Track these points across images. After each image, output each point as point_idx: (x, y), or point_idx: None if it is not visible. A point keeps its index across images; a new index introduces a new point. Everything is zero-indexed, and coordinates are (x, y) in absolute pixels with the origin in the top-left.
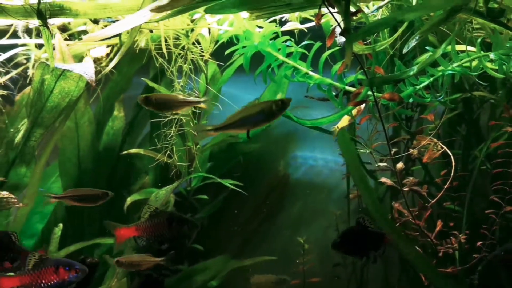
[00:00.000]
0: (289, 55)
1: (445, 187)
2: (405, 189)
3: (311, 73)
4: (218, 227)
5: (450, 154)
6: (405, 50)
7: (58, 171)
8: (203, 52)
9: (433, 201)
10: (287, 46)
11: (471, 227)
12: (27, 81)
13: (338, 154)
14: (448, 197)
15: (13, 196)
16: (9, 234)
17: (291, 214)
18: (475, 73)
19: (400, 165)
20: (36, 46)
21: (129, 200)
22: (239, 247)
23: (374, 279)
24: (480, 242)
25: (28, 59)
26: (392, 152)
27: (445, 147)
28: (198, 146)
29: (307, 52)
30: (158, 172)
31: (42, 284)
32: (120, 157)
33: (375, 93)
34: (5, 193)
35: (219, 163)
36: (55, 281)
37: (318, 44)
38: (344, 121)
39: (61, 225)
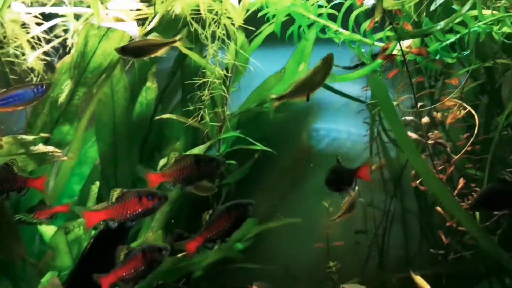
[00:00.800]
0: (319, 16)
1: (468, 144)
2: (429, 141)
3: (341, 30)
4: (245, 194)
5: (474, 113)
6: (433, 7)
7: (95, 137)
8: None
9: (456, 156)
10: (319, 6)
11: None
12: (66, 50)
13: (361, 124)
14: (469, 161)
15: (59, 150)
16: (7, 165)
17: (314, 184)
18: (499, 31)
19: (425, 119)
20: (74, 17)
21: (161, 162)
22: (265, 213)
23: (394, 246)
24: None
25: (66, 30)
26: (418, 105)
27: (469, 107)
28: (227, 112)
29: (336, 13)
30: (188, 137)
31: (127, 215)
32: (152, 126)
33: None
34: (51, 148)
35: (246, 132)
36: (139, 210)
37: (349, 2)
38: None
39: (98, 182)
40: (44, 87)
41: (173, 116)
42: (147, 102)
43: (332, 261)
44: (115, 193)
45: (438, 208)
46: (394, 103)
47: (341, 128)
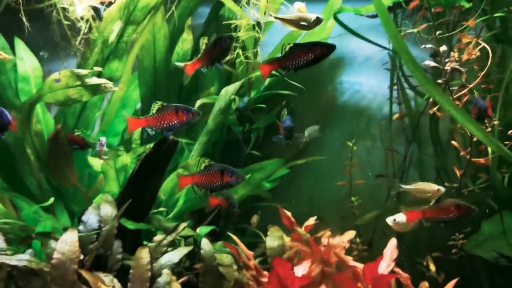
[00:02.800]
0: None
1: (482, 75)
2: (446, 68)
3: None
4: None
5: (489, 48)
6: None
7: (137, 81)
8: None
9: (471, 85)
10: None
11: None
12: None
13: (382, 78)
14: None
15: (110, 82)
16: None
17: (337, 132)
18: None
19: (443, 48)
20: None
21: (198, 102)
22: (292, 155)
23: None
24: None
25: None
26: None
27: (483, 43)
28: (259, 57)
29: None
30: (222, 83)
31: (164, 125)
32: None
33: None
34: (103, 80)
35: (275, 80)
36: (175, 122)
37: None
38: None
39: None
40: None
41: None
42: (183, 52)
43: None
44: (156, 105)
45: (454, 142)
46: (414, 30)
47: (363, 81)
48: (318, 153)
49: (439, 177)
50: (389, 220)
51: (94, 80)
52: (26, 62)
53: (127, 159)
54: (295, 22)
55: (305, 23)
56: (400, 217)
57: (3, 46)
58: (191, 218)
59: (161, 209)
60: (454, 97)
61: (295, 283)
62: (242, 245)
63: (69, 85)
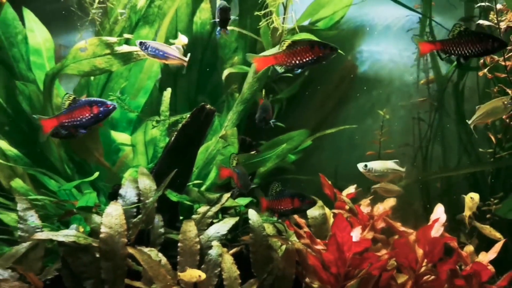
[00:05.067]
0: None
1: None
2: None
3: None
4: (296, 109)
5: None
6: None
7: None
8: None
9: None
10: None
11: None
12: None
13: (402, 46)
14: None
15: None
16: None
17: (359, 102)
18: None
19: (500, 5)
20: None
21: (225, 72)
22: (315, 126)
23: (436, 158)
24: None
25: None
26: None
27: None
28: (284, 26)
29: None
30: (246, 51)
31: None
32: (209, 44)
33: None
34: (135, 48)
35: None
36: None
37: None
38: None
39: (169, 89)
40: None
41: (235, 29)
42: (201, 21)
43: None
44: (286, 43)
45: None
46: None
47: (382, 50)
48: (339, 124)
49: (462, 145)
50: (360, 166)
51: (125, 48)
52: (37, 33)
53: (156, 132)
54: None
55: None
56: (374, 165)
57: (13, 17)
58: (220, 191)
59: (196, 181)
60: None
61: (352, 249)
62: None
63: (96, 54)
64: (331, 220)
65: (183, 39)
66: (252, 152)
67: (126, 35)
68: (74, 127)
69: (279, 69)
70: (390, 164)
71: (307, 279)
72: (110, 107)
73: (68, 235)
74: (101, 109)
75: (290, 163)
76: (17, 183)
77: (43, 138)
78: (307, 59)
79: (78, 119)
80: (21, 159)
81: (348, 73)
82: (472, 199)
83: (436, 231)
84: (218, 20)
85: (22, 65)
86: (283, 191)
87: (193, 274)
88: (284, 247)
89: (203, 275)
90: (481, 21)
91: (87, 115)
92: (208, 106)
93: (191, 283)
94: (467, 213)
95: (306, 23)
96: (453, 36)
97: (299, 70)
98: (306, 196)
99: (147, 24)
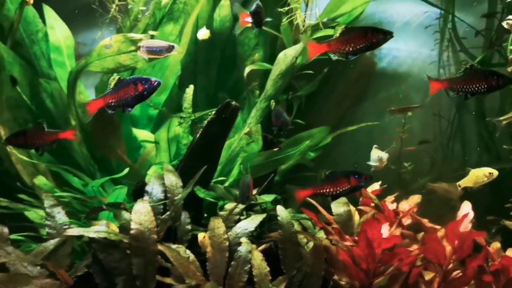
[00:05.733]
0: None
1: None
2: None
3: None
4: (315, 106)
5: None
6: None
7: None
8: None
9: None
10: None
11: None
12: None
13: (420, 43)
14: None
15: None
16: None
17: (378, 98)
18: None
19: None
20: None
21: (247, 69)
22: (334, 122)
23: (456, 156)
24: None
25: None
26: None
27: None
28: (307, 22)
29: None
30: (267, 48)
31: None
32: (228, 41)
33: None
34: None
35: None
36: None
37: None
38: None
39: (192, 86)
40: None
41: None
42: (220, 18)
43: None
44: (340, 30)
45: None
46: None
47: (401, 47)
48: (357, 121)
49: (482, 141)
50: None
51: None
52: (57, 31)
53: (179, 129)
54: None
55: None
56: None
57: (33, 14)
58: None
59: (220, 178)
60: None
61: (382, 245)
62: (322, 210)
63: (121, 51)
64: (356, 217)
65: (204, 33)
66: (275, 149)
67: (151, 32)
68: (120, 106)
69: (333, 57)
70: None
71: (335, 276)
72: (155, 84)
73: (99, 231)
74: (146, 86)
75: (310, 160)
76: (40, 180)
77: (87, 119)
78: (361, 45)
79: (124, 98)
80: (45, 157)
81: (367, 70)
82: (491, 174)
83: (464, 227)
84: (252, 21)
85: (43, 62)
86: (335, 173)
87: None
88: (311, 244)
89: None
90: (507, 21)
91: (132, 93)
92: (234, 102)
93: (221, 279)
94: (466, 183)
95: (325, 19)
96: (460, 74)
97: (353, 57)
98: (361, 173)
99: (172, 20)
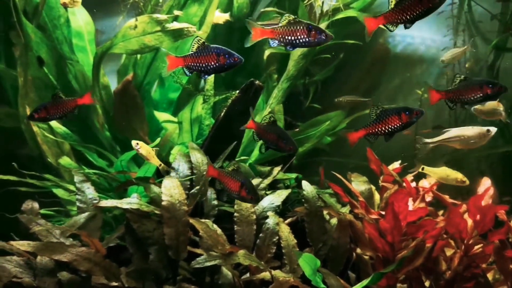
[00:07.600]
0: None
1: None
2: None
3: None
4: (330, 91)
5: None
6: None
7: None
8: None
9: None
10: None
11: None
12: None
13: (434, 30)
14: None
15: (192, 26)
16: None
17: (391, 85)
18: None
19: None
20: None
21: (267, 52)
22: (349, 108)
23: None
24: None
25: None
26: None
27: None
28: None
29: None
30: None
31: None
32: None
33: None
34: (185, 24)
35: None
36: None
37: None
38: None
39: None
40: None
41: (274, 9)
42: (238, 4)
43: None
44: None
45: None
46: None
47: (415, 33)
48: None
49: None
50: None
51: (175, 25)
52: (79, 16)
53: (201, 110)
54: None
55: None
56: None
57: (55, 0)
58: None
59: (242, 157)
60: None
61: (408, 218)
62: (348, 184)
63: (146, 31)
64: (376, 195)
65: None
66: (296, 130)
67: (176, 12)
68: (198, 71)
69: (391, 28)
70: None
71: (358, 250)
72: (237, 61)
73: (131, 202)
74: (228, 60)
75: (326, 144)
76: (65, 160)
77: (167, 74)
78: (417, 12)
79: (203, 65)
80: (70, 137)
81: (381, 56)
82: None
83: (486, 201)
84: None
85: (65, 47)
86: (386, 111)
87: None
88: (333, 220)
89: None
90: None
91: (212, 63)
92: (257, 81)
93: (249, 251)
94: (431, 173)
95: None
96: (455, 86)
97: (410, 26)
98: (412, 108)
99: (196, 1)
